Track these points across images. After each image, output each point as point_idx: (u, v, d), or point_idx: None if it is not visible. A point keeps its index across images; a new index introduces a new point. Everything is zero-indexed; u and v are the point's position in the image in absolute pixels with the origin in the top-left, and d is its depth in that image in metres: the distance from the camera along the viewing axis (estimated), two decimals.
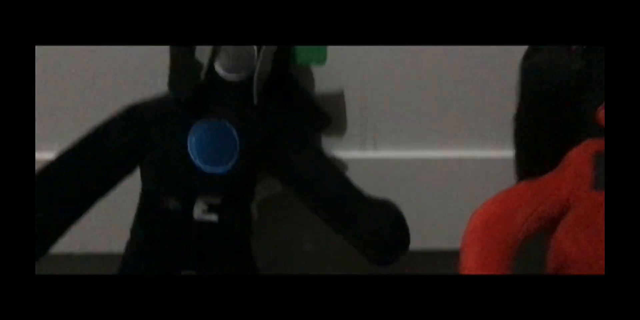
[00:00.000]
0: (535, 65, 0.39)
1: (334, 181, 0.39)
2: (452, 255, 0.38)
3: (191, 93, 0.35)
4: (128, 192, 0.38)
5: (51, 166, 0.35)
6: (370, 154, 0.48)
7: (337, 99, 0.47)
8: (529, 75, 0.39)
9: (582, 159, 0.37)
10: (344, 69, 0.46)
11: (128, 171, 0.37)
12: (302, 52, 0.38)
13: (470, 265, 0.36)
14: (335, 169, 0.40)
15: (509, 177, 0.44)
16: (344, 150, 0.47)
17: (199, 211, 0.36)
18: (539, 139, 0.41)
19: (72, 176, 0.35)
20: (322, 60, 0.39)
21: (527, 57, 0.40)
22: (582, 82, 0.38)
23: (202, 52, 0.35)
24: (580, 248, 0.35)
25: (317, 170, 0.38)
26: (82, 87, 0.46)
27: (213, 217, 0.36)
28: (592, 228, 0.35)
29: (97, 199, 0.36)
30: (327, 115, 0.42)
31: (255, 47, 0.36)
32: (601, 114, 0.36)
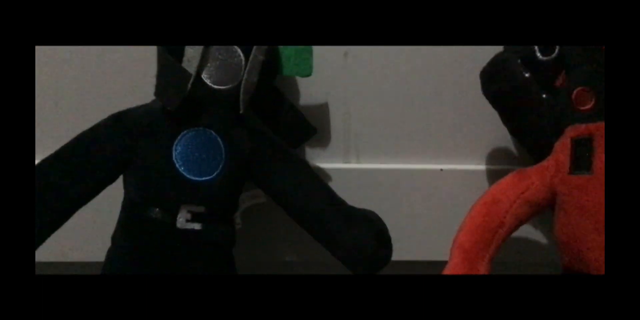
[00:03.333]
0: (484, 72, 0.41)
1: (317, 194, 0.39)
2: (436, 266, 0.39)
3: (178, 102, 0.35)
4: (109, 199, 0.37)
5: (35, 172, 0.34)
6: (353, 165, 0.48)
7: (321, 110, 0.47)
8: (482, 81, 0.41)
9: (562, 145, 0.39)
10: (327, 80, 0.47)
11: (112, 179, 0.37)
12: (288, 64, 0.39)
13: (454, 251, 0.38)
14: (319, 182, 0.40)
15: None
16: (328, 162, 0.47)
17: (182, 220, 0.36)
18: (526, 137, 0.43)
19: (54, 183, 0.34)
20: (307, 72, 0.39)
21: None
22: (551, 73, 0.39)
23: (190, 62, 0.35)
24: (575, 229, 0.37)
25: (300, 182, 0.38)
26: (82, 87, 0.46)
27: (196, 226, 0.36)
28: (578, 210, 0.37)
29: (78, 206, 0.36)
30: (311, 126, 0.43)
31: (242, 58, 0.36)
32: (575, 96, 0.38)
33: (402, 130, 0.48)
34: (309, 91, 0.47)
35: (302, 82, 0.46)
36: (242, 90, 0.36)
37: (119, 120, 0.36)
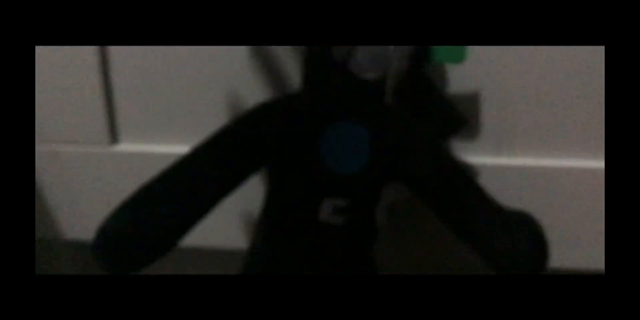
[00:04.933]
0: None
1: (466, 192, 0.36)
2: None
3: (326, 92, 0.34)
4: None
5: (183, 160, 0.35)
6: (505, 160, 0.45)
7: (472, 100, 0.44)
8: None
9: None
10: (480, 67, 0.43)
11: (257, 169, 0.36)
12: (440, 50, 0.36)
13: None
14: (468, 178, 0.37)
15: None
16: (477, 155, 0.45)
17: (325, 213, 0.35)
18: None
19: (201, 172, 0.35)
20: (461, 58, 0.36)
21: None
22: None
23: (339, 50, 0.33)
24: None
25: (448, 179, 0.36)
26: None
27: (338, 220, 0.35)
28: None
29: (224, 195, 0.36)
30: (463, 117, 0.40)
31: (391, 46, 0.34)
32: None
33: (563, 122, 0.44)
34: (460, 77, 0.44)
35: (453, 68, 0.44)
36: (389, 78, 0.34)
37: (264, 110, 0.36)
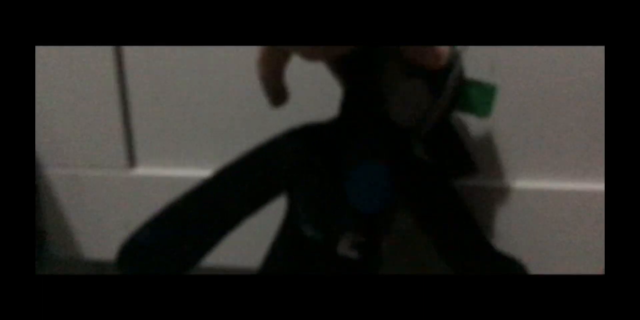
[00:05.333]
0: None
1: (466, 230, 0.38)
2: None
3: (360, 132, 0.35)
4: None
5: (208, 182, 0.36)
6: (499, 183, 0.46)
7: (470, 124, 0.45)
8: None
9: None
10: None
11: (280, 193, 0.37)
12: (468, 102, 0.37)
13: None
14: (470, 218, 0.39)
15: None
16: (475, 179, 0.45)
17: (343, 247, 0.36)
18: None
19: (226, 195, 0.36)
20: (487, 114, 0.37)
21: None
22: None
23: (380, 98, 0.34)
24: None
25: (451, 217, 0.38)
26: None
27: (355, 254, 0.36)
28: None
29: (245, 218, 0.36)
30: (474, 165, 0.40)
31: (428, 97, 0.35)
32: None
33: (559, 145, 0.44)
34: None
35: None
36: (423, 127, 0.35)
37: (298, 136, 0.36)
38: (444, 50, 0.32)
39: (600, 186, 0.43)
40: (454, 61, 0.34)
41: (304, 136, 0.36)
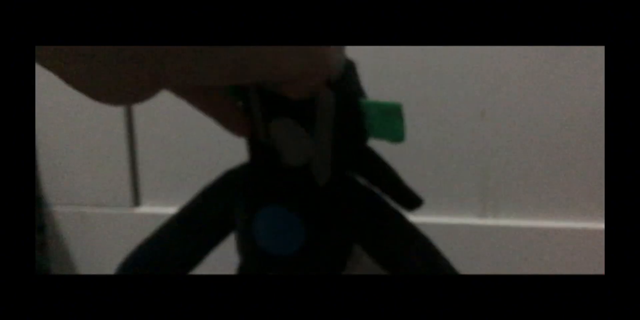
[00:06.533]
0: None
1: (415, 253, 0.34)
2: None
3: (261, 175, 0.34)
4: None
5: (159, 231, 0.36)
6: (490, 221, 0.47)
7: (457, 162, 0.47)
8: None
9: None
10: (467, 125, 0.45)
11: (224, 236, 0.36)
12: (374, 127, 0.31)
13: None
14: (422, 239, 0.34)
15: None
16: (461, 216, 0.47)
17: None
18: None
19: (175, 243, 0.35)
20: (398, 138, 0.30)
21: None
22: None
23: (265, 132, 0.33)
24: None
25: (401, 243, 0.34)
26: None
27: None
28: None
29: (195, 264, 0.36)
30: (416, 196, 0.34)
31: (304, 131, 0.31)
32: None
33: (548, 183, 0.46)
34: (444, 144, 0.46)
35: (439, 137, 0.46)
36: (314, 165, 0.32)
37: (225, 179, 0.36)
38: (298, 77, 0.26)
39: (592, 223, 0.45)
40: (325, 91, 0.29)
41: (228, 180, 0.36)
